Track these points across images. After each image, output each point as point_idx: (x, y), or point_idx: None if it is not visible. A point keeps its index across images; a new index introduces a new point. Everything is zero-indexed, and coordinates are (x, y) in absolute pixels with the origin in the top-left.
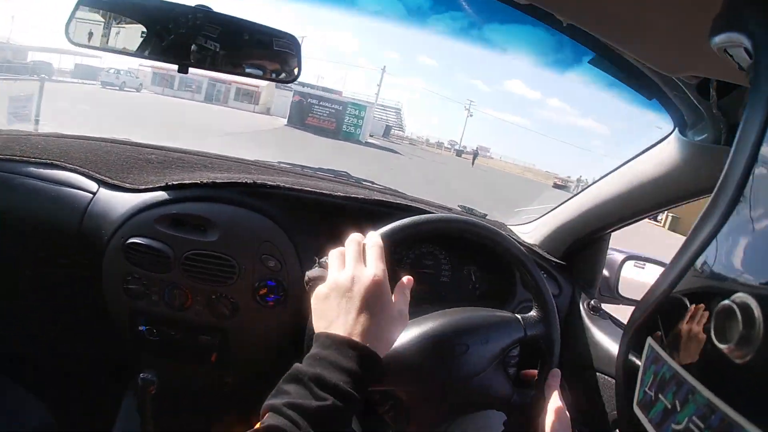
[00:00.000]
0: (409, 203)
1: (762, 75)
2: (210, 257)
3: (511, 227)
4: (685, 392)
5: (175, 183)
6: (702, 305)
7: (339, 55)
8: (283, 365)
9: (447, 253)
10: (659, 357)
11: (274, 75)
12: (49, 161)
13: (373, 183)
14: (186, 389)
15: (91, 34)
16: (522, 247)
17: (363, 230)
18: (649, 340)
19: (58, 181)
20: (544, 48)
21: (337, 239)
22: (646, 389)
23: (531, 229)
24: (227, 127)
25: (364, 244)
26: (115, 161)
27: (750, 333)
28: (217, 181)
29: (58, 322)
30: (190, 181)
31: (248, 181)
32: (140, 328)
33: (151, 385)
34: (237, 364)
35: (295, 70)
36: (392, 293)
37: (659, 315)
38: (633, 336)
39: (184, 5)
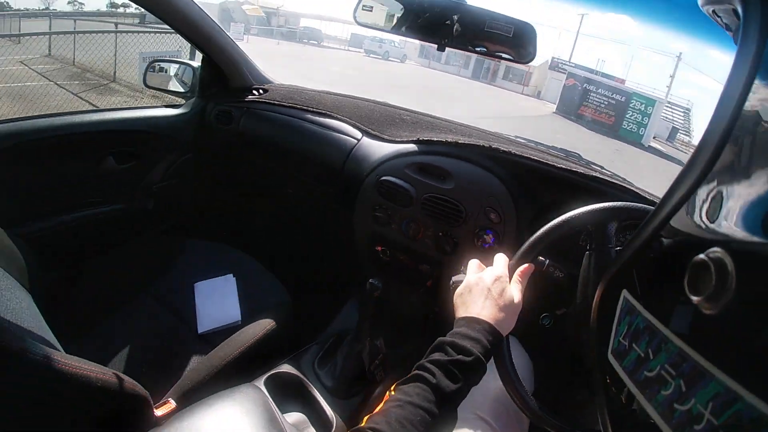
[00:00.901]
0: (627, 186)
1: (749, 36)
2: (444, 201)
3: None
4: (657, 342)
5: (424, 138)
6: (676, 259)
7: (625, 37)
8: None
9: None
10: (633, 308)
11: (511, 57)
12: (324, 111)
13: (602, 167)
14: (399, 307)
15: (370, 16)
16: None
17: (578, 203)
18: (624, 292)
19: (330, 127)
20: None
21: (551, 207)
22: (621, 339)
23: None
24: (486, 108)
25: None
26: (377, 117)
27: (723, 287)
28: (459, 141)
29: (313, 231)
30: (437, 139)
31: (485, 144)
32: (377, 248)
33: (376, 290)
34: (446, 296)
35: (531, 54)
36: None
37: (634, 268)
38: (608, 287)
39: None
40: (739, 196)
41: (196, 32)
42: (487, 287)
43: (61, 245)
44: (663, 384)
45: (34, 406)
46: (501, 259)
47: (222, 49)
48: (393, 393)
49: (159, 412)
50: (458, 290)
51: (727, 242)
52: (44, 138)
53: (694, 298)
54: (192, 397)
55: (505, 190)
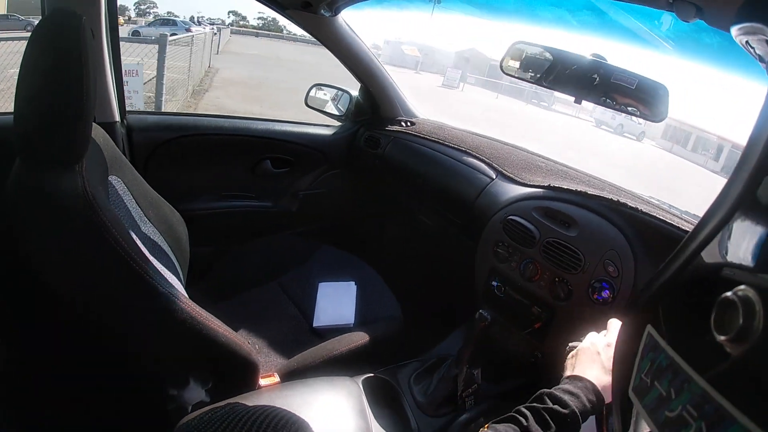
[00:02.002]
0: None
1: None
2: (565, 248)
3: None
4: (680, 381)
5: (555, 186)
6: (703, 296)
7: None
8: None
9: None
10: (657, 345)
11: (645, 115)
12: (465, 149)
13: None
14: (503, 344)
15: (513, 71)
16: None
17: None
18: (649, 328)
19: (468, 164)
20: None
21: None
22: (642, 375)
23: None
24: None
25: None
26: (513, 160)
27: (749, 326)
28: (588, 192)
29: (435, 257)
30: (567, 187)
31: (613, 198)
32: (493, 282)
33: (485, 320)
34: (550, 342)
35: (663, 113)
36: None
37: (660, 304)
38: (632, 323)
39: (584, 57)
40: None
41: (358, 64)
42: (596, 351)
43: (213, 227)
44: (684, 425)
45: (170, 338)
46: (615, 325)
47: (378, 81)
48: (486, 430)
49: (263, 382)
50: (570, 353)
51: (755, 280)
52: (209, 134)
53: (720, 338)
54: (295, 378)
55: (627, 246)
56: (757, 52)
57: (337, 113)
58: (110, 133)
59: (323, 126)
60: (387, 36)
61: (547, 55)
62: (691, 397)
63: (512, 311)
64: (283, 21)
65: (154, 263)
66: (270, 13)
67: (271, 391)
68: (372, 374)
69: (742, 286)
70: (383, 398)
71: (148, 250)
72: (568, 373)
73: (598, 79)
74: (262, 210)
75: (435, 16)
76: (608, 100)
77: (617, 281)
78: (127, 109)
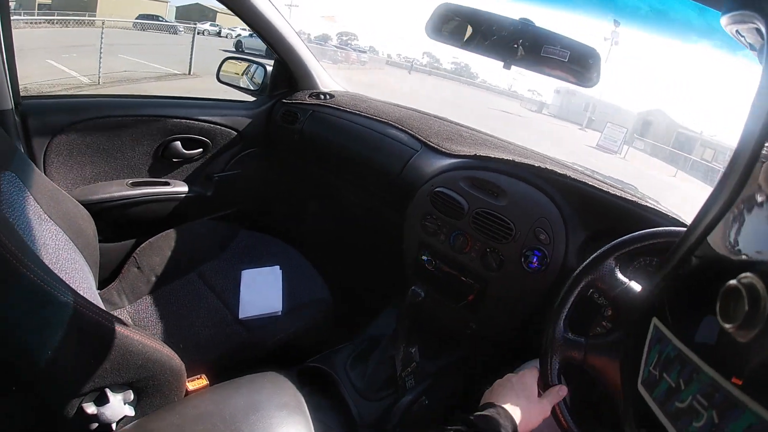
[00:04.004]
0: (683, 220)
1: None
2: (495, 217)
3: None
4: (689, 371)
5: (482, 155)
6: (707, 285)
7: None
8: (521, 335)
9: None
10: (664, 337)
11: (575, 80)
12: (386, 121)
13: (657, 202)
14: (437, 319)
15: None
16: None
17: (627, 229)
18: (654, 320)
19: (391, 136)
20: None
21: (602, 235)
22: (651, 368)
23: None
24: None
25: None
26: (437, 131)
27: (755, 313)
28: (516, 160)
29: (361, 235)
30: (494, 156)
31: (541, 165)
32: (423, 257)
33: (418, 297)
34: (484, 314)
35: (594, 77)
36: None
37: (664, 296)
38: (638, 317)
39: (510, 18)
40: None
41: (273, 34)
42: (509, 380)
43: (123, 219)
44: (695, 415)
45: (78, 352)
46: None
47: (294, 53)
48: None
49: (191, 385)
50: (499, 381)
51: (759, 267)
52: (113, 117)
53: (726, 326)
54: (224, 377)
55: (557, 212)
56: (748, 40)
57: (252, 88)
58: (1, 122)
59: (238, 102)
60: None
61: (475, 18)
62: (701, 386)
63: (445, 285)
64: (475, 68)
65: (54, 268)
66: (463, 59)
67: (199, 396)
68: (305, 364)
69: (746, 273)
70: (320, 388)
71: (49, 253)
72: (491, 398)
73: (527, 47)
74: (176, 197)
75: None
76: (544, 68)
77: (549, 249)
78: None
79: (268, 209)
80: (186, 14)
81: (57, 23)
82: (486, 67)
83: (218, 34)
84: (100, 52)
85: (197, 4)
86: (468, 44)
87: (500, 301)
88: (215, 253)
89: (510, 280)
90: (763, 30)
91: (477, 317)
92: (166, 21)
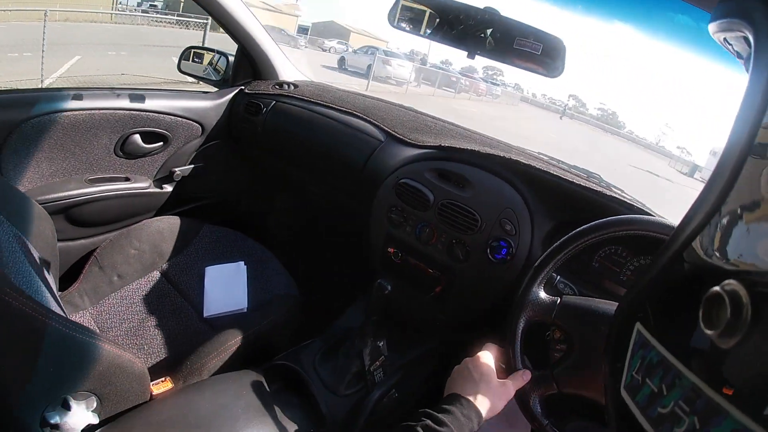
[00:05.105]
0: (647, 210)
1: (761, 64)
2: (461, 208)
3: None
4: (671, 377)
5: (447, 145)
6: (691, 291)
7: None
8: (488, 323)
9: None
10: (647, 342)
11: (540, 71)
12: (350, 111)
13: (622, 191)
14: (405, 311)
15: (404, 22)
16: None
17: (591, 219)
18: (638, 326)
19: (355, 127)
20: None
21: (568, 225)
22: (633, 373)
23: None
24: None
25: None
26: (402, 121)
27: (737, 320)
28: (481, 150)
29: (327, 228)
30: (459, 146)
31: (506, 156)
32: (389, 249)
33: (384, 290)
34: (452, 304)
35: (559, 68)
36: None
37: (648, 301)
38: (621, 321)
39: (477, 6)
40: (755, 226)
41: (233, 22)
42: (466, 368)
43: (82, 217)
44: (676, 421)
45: (40, 361)
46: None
47: (257, 41)
48: None
49: (155, 389)
50: (456, 368)
51: (742, 274)
52: (68, 111)
53: (709, 332)
54: (190, 378)
55: (523, 203)
56: (735, 49)
57: (214, 78)
58: None
59: (199, 93)
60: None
61: (441, 6)
62: (683, 392)
63: (412, 277)
64: (622, 117)
65: (10, 272)
66: (611, 106)
67: (163, 401)
68: (273, 362)
69: (729, 280)
70: (288, 386)
71: (5, 256)
72: (453, 388)
73: (498, 38)
74: (136, 193)
75: None
76: (514, 60)
77: (515, 239)
78: None
79: (232, 204)
80: (322, 31)
81: (177, 24)
82: (633, 117)
83: (354, 53)
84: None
85: (332, 22)
86: (434, 34)
87: (468, 292)
88: (178, 250)
89: (477, 271)
90: (751, 39)
91: (445, 308)
92: (289, 35)
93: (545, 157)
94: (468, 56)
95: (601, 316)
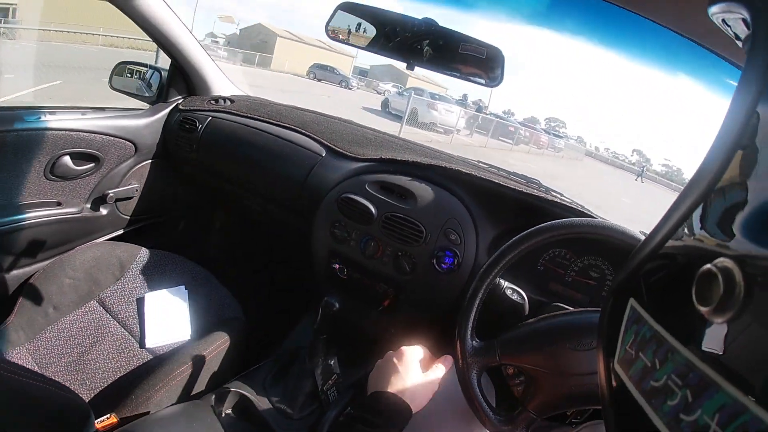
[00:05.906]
0: (587, 212)
1: (759, 46)
2: (404, 220)
3: None
4: (664, 351)
5: (387, 158)
6: (685, 268)
7: None
8: (440, 330)
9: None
10: (641, 317)
11: (481, 80)
12: (288, 126)
13: (562, 195)
14: (354, 327)
15: (340, 33)
16: None
17: (533, 224)
18: (631, 301)
19: (294, 142)
20: None
21: (511, 232)
22: (627, 347)
23: None
24: None
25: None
26: (341, 135)
27: (730, 297)
28: (422, 162)
29: (270, 246)
30: (400, 158)
31: (447, 166)
32: (334, 265)
33: (332, 307)
34: (403, 317)
35: (498, 77)
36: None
37: (642, 276)
38: (615, 296)
39: (413, 17)
40: (748, 206)
41: (166, 36)
42: (390, 360)
43: (12, 246)
44: (669, 394)
45: None
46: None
47: (190, 55)
48: None
49: (100, 426)
50: (378, 362)
51: (735, 251)
52: None
53: (702, 309)
54: (136, 412)
55: (466, 212)
56: (733, 30)
57: (147, 95)
58: None
59: (132, 110)
60: None
61: (378, 18)
62: (676, 366)
63: (359, 292)
64: (688, 173)
65: None
66: (675, 162)
67: None
68: (221, 388)
69: (722, 258)
70: (239, 414)
71: None
72: (369, 389)
73: (429, 50)
74: (69, 218)
75: None
76: (457, 67)
77: (460, 248)
78: None
79: (170, 225)
80: (379, 74)
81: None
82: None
83: (399, 94)
84: None
85: (391, 66)
86: (372, 45)
87: (416, 303)
88: (116, 277)
89: (424, 282)
90: (749, 20)
91: (395, 321)
92: (341, 74)
93: (485, 165)
94: (407, 67)
95: (541, 336)
